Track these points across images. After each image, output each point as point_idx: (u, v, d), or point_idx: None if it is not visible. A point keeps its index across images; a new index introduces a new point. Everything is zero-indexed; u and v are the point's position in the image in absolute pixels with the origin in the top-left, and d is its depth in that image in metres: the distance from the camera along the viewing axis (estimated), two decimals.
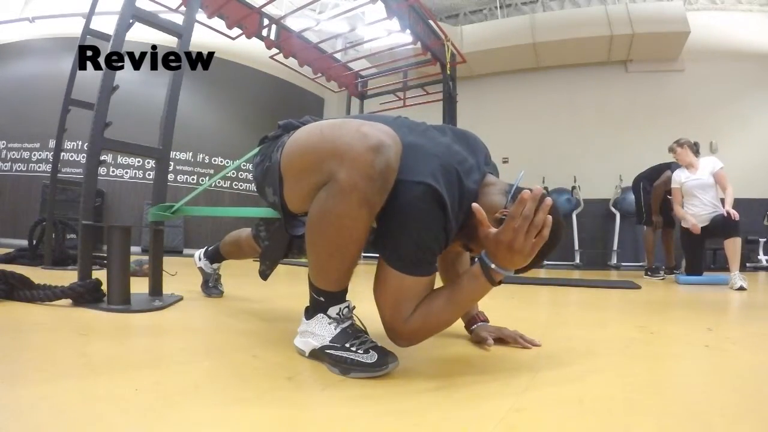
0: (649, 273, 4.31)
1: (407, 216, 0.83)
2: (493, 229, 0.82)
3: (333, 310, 0.90)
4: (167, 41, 1.86)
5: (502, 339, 1.13)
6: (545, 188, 7.19)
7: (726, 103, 6.65)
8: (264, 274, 1.47)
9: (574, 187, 6.99)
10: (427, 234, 0.84)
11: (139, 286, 1.63)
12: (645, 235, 4.58)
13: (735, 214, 3.40)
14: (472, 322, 1.19)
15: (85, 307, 1.44)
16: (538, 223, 0.78)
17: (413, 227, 0.83)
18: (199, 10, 2.28)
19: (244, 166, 7.84)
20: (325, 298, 0.90)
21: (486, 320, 1.19)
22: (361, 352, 0.83)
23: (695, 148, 3.91)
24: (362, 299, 1.05)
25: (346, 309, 0.91)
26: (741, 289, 3.03)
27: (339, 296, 0.91)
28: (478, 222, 0.84)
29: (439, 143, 0.93)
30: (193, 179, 7.43)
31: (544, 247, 0.83)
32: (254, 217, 1.45)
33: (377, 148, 0.77)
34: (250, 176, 8.07)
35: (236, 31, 3.90)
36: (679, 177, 3.91)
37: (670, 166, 4.29)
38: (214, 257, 1.94)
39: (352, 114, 4.19)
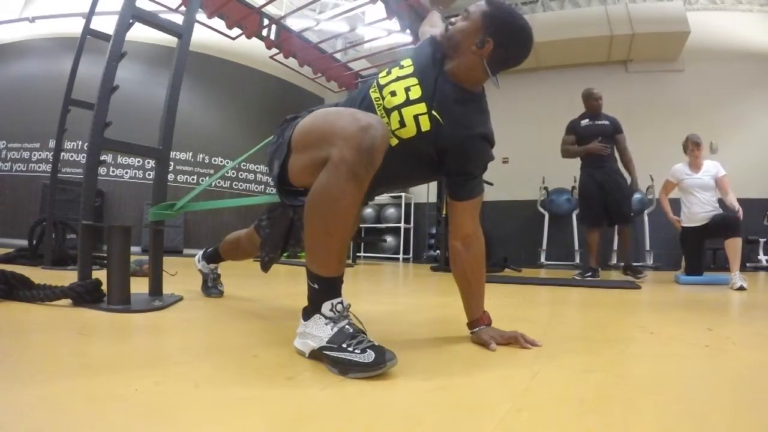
0: (589, 273, 4.01)
1: None
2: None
3: (327, 306, 0.90)
4: (167, 41, 1.86)
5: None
6: (545, 188, 7.20)
7: (726, 103, 6.64)
8: (264, 263, 1.47)
9: (574, 187, 6.97)
10: None
11: (139, 286, 1.63)
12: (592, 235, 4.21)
13: (739, 210, 3.42)
14: (475, 323, 1.18)
15: (85, 307, 1.44)
16: None
17: None
18: (199, 10, 2.28)
19: (244, 165, 7.86)
20: (319, 285, 0.92)
21: (490, 323, 1.18)
22: (358, 351, 0.83)
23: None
24: (362, 300, 1.05)
25: (340, 305, 0.91)
26: (741, 289, 3.03)
27: (333, 286, 0.92)
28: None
29: None
30: (193, 179, 7.42)
31: (514, 60, 1.14)
32: (255, 208, 1.47)
33: (366, 129, 0.88)
34: (250, 176, 8.07)
35: (236, 31, 3.90)
36: (679, 174, 3.86)
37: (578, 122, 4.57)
38: (212, 258, 1.94)
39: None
